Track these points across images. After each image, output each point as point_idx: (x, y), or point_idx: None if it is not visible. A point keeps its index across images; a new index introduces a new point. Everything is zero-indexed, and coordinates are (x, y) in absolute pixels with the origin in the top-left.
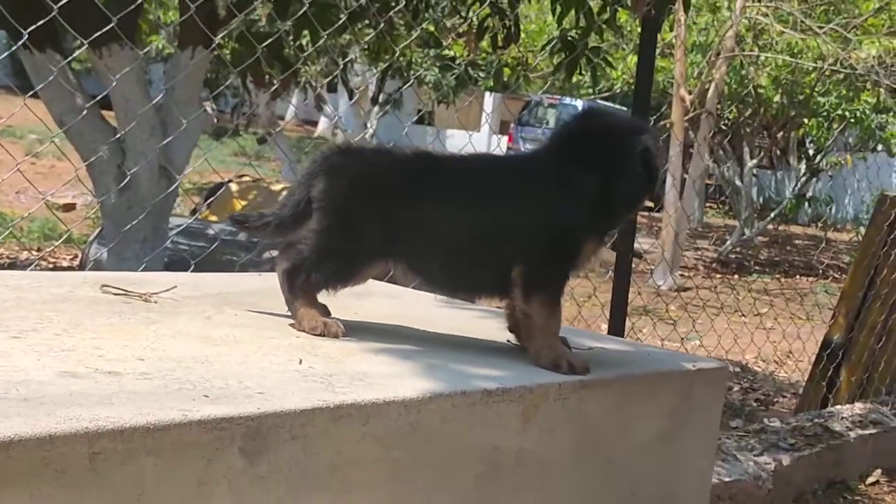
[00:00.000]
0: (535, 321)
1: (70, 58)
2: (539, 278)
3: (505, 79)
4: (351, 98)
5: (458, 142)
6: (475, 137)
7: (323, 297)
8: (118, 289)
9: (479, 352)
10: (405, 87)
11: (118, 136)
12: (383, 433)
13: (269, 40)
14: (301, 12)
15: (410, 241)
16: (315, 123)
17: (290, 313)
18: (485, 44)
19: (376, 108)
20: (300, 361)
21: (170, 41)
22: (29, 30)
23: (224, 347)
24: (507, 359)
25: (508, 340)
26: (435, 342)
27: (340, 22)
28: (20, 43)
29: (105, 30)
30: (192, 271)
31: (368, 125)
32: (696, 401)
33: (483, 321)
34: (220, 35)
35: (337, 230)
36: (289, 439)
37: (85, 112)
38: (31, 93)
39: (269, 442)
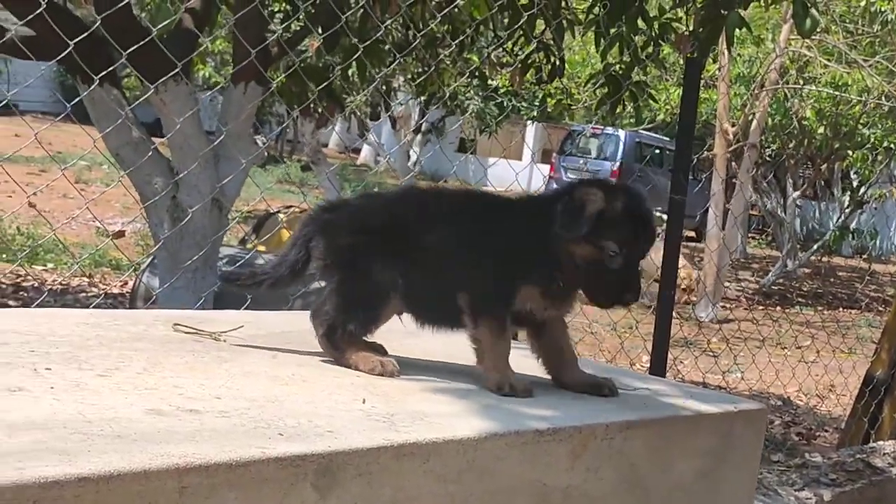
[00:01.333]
0: (483, 344)
1: (136, 102)
2: (479, 306)
3: (549, 109)
4: (394, 127)
5: (500, 170)
6: (517, 167)
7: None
8: (189, 328)
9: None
10: (455, 125)
11: (179, 175)
12: (442, 470)
13: (325, 84)
14: (356, 55)
15: (402, 275)
16: (358, 151)
17: None
18: (528, 75)
19: (419, 137)
20: (363, 401)
21: (217, 70)
22: (100, 74)
23: (292, 387)
24: (557, 398)
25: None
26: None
27: (395, 63)
28: (92, 87)
29: (171, 74)
30: (244, 304)
31: (411, 153)
32: (736, 441)
33: (529, 360)
34: (281, 76)
35: (350, 281)
36: (356, 476)
37: (153, 151)
38: (101, 134)
39: (338, 478)
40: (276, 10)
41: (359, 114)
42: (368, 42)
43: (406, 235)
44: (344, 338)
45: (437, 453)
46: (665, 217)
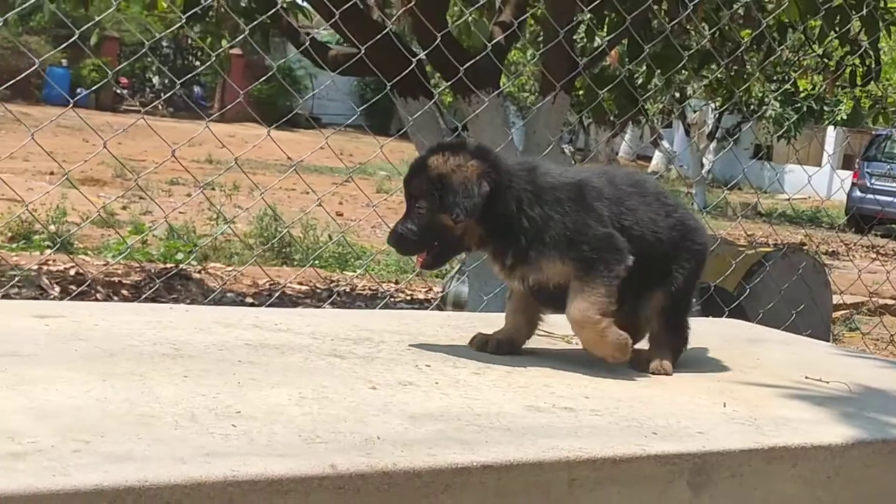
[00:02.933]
0: None
1: (467, 119)
2: None
3: (864, 113)
4: (688, 134)
5: (798, 178)
6: (817, 174)
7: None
8: (542, 330)
9: (890, 400)
10: (755, 131)
11: None
12: (809, 475)
13: (647, 95)
14: (680, 63)
15: None
16: (649, 159)
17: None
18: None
19: (713, 144)
20: (724, 405)
21: (507, 77)
22: (440, 89)
23: (653, 389)
24: None
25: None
26: (842, 390)
27: (714, 73)
28: (432, 101)
29: (500, 90)
30: None
31: (705, 160)
32: None
33: (882, 371)
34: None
35: None
36: (728, 476)
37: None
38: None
39: (711, 478)
40: (580, 20)
41: (653, 121)
42: (691, 51)
43: None
44: None
45: (806, 458)
46: None
